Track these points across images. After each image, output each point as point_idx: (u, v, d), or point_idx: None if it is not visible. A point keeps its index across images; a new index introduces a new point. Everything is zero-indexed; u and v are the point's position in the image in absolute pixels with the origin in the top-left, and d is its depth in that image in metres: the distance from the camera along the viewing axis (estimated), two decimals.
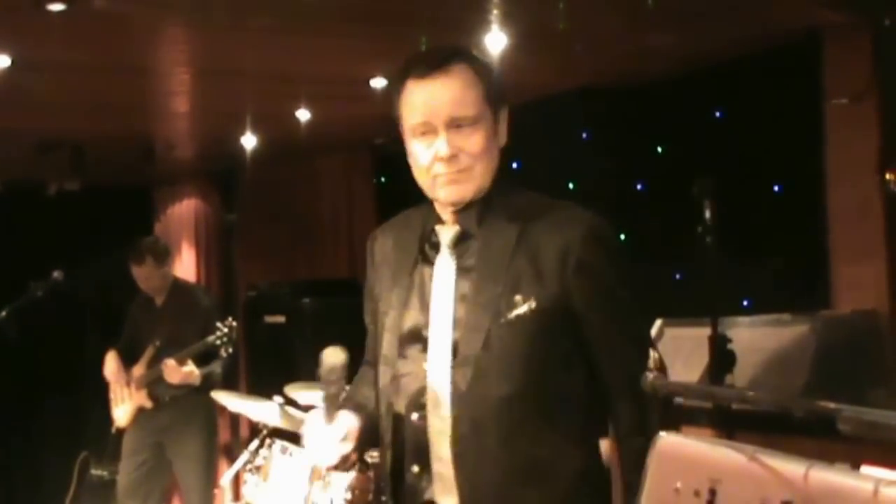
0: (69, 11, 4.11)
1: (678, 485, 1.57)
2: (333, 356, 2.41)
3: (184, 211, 9.07)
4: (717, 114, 5.37)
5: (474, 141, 2.36)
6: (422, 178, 2.42)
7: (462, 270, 2.41)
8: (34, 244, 8.18)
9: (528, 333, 2.31)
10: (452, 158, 2.35)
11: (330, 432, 2.41)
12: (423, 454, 2.40)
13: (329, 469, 2.50)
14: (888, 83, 4.43)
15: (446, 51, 2.43)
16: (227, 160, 7.91)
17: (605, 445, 4.64)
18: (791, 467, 1.42)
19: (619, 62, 5.34)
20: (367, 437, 2.52)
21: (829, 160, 4.76)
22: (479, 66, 2.42)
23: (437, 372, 2.38)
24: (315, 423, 2.43)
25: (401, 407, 2.43)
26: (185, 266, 8.73)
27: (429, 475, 2.40)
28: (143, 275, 6.33)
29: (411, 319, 2.45)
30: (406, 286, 2.48)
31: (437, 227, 2.47)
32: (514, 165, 6.24)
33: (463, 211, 2.42)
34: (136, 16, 4.47)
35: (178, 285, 6.58)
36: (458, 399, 2.33)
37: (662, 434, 1.69)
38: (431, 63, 2.38)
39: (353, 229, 7.63)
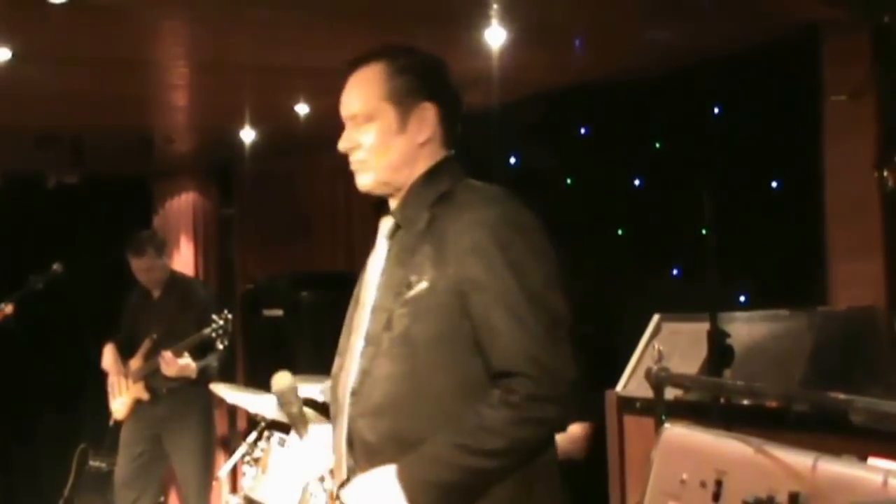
0: (69, 4, 4.10)
1: (684, 476, 1.58)
2: (280, 381, 2.61)
3: (182, 204, 9.07)
4: (716, 109, 5.36)
5: (368, 136, 2.52)
6: None
7: (388, 259, 2.54)
8: (33, 237, 8.18)
9: (424, 314, 2.36)
10: (349, 150, 2.56)
11: (308, 446, 2.60)
12: (347, 431, 2.50)
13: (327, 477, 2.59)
14: (887, 80, 4.44)
15: (371, 52, 2.59)
16: (225, 154, 7.91)
17: (568, 434, 4.64)
18: (799, 459, 1.42)
19: (617, 57, 5.34)
20: None
21: (827, 157, 4.77)
22: (393, 65, 2.54)
23: (351, 356, 2.52)
24: (293, 443, 2.60)
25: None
26: (184, 259, 8.73)
27: (351, 451, 2.49)
28: (142, 267, 6.34)
29: (353, 311, 2.61)
30: (360, 282, 2.64)
31: (381, 221, 2.62)
32: (512, 160, 6.29)
33: (398, 203, 2.56)
34: (135, 8, 4.47)
35: (175, 278, 6.60)
36: (363, 378, 2.44)
37: (668, 425, 1.69)
38: (352, 64, 2.60)
39: (351, 223, 7.63)
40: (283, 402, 2.52)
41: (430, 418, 2.35)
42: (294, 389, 2.54)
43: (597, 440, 4.57)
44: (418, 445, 2.34)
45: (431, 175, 2.54)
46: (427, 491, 2.31)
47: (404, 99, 2.51)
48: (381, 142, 2.51)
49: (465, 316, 2.35)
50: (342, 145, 2.56)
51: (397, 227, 2.55)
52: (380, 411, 2.39)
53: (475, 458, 2.29)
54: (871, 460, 1.71)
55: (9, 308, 6.14)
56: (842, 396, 1.35)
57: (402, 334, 2.38)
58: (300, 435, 2.54)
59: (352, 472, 2.48)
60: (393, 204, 2.58)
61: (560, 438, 4.58)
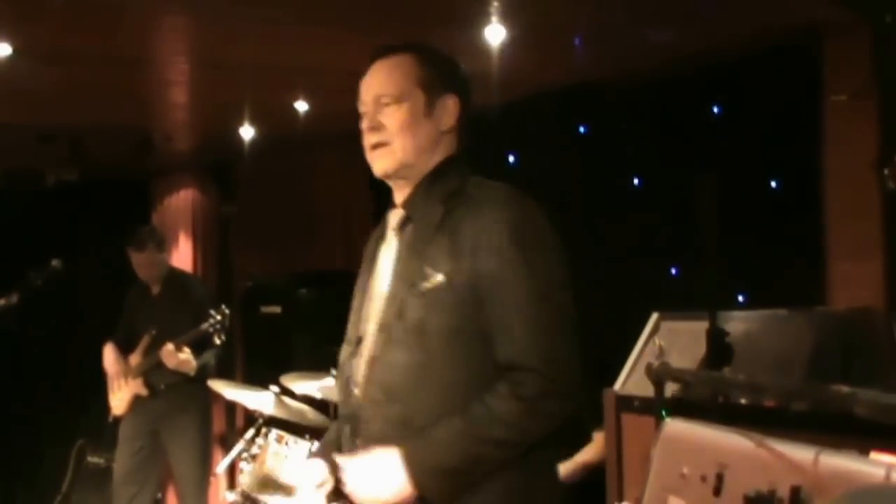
0: (70, 0, 4.11)
1: (685, 470, 1.57)
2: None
3: (181, 201, 9.06)
4: (716, 109, 5.36)
5: (396, 117, 2.55)
6: (367, 155, 2.62)
7: (400, 250, 2.58)
8: (33, 234, 8.17)
9: (437, 305, 2.41)
10: (373, 129, 2.56)
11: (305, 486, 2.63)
12: (354, 418, 2.56)
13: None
14: (888, 81, 4.44)
15: (400, 44, 2.65)
16: (225, 151, 7.90)
17: (597, 442, 4.66)
18: (800, 453, 1.41)
19: (618, 57, 5.34)
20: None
21: (827, 157, 4.77)
22: (423, 55, 2.63)
23: (364, 344, 2.56)
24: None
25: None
26: (182, 256, 8.72)
27: (356, 437, 2.55)
28: (142, 262, 6.35)
29: (363, 301, 2.65)
30: (368, 272, 2.68)
31: (389, 214, 2.66)
32: (511, 159, 6.29)
33: (408, 195, 2.60)
34: (135, 5, 4.47)
35: (174, 274, 6.61)
36: (371, 363, 2.51)
37: (668, 420, 1.68)
38: (379, 52, 2.64)
39: (349, 221, 7.63)
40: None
41: (439, 407, 2.39)
42: None
43: None
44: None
45: (442, 169, 2.59)
46: (432, 475, 2.36)
47: (433, 87, 2.58)
48: (409, 123, 2.55)
49: (479, 309, 2.40)
50: (367, 123, 2.57)
51: (406, 220, 2.59)
52: (390, 398, 2.44)
53: (483, 447, 2.36)
54: (874, 455, 1.71)
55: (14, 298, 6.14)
56: (846, 390, 1.34)
57: (415, 324, 2.43)
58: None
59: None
60: (400, 197, 2.62)
61: (595, 450, 4.61)
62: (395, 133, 2.54)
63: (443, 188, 2.55)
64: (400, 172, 2.57)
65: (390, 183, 2.63)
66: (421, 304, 2.43)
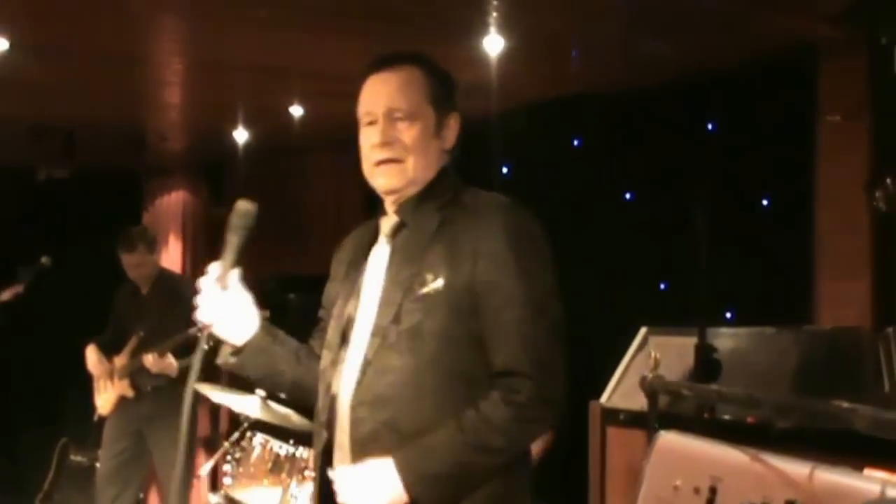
0: None
1: (678, 482, 1.56)
2: (247, 204, 2.57)
3: (172, 202, 9.05)
4: (710, 125, 5.38)
5: (409, 134, 2.52)
6: (365, 166, 2.59)
7: (393, 256, 2.57)
8: (22, 229, 8.15)
9: (435, 310, 2.42)
10: (385, 145, 2.52)
11: (217, 291, 2.56)
12: (332, 424, 2.54)
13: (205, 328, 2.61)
14: (882, 101, 4.45)
15: (406, 54, 2.61)
16: (217, 153, 7.90)
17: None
18: (795, 467, 1.41)
19: (614, 70, 5.35)
20: (254, 346, 2.66)
21: (819, 176, 4.78)
22: (430, 71, 2.60)
23: (354, 347, 2.54)
24: (209, 275, 2.57)
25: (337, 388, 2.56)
26: (172, 257, 8.71)
27: (335, 441, 2.53)
28: (132, 262, 6.32)
29: (351, 307, 2.62)
30: (353, 279, 2.66)
31: (382, 220, 2.64)
32: (504, 170, 6.29)
33: (403, 203, 2.58)
34: (133, 4, 4.47)
35: (164, 275, 6.58)
36: (364, 368, 2.48)
37: (662, 432, 1.68)
38: (387, 60, 2.59)
39: (340, 226, 7.61)
40: (235, 226, 2.54)
41: (429, 410, 2.40)
42: (254, 218, 2.55)
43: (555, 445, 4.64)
44: (414, 437, 2.39)
45: (439, 180, 2.59)
46: (426, 483, 2.35)
47: (441, 106, 2.58)
48: (421, 142, 2.53)
49: (473, 315, 2.42)
50: (379, 138, 2.52)
51: (399, 227, 2.58)
52: (380, 401, 2.43)
53: (477, 454, 2.37)
54: (868, 472, 1.71)
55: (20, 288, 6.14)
56: (845, 405, 1.34)
57: (411, 328, 2.43)
58: (222, 279, 2.54)
59: (342, 461, 2.51)
60: (392, 205, 2.60)
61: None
62: (408, 151, 2.52)
63: (438, 197, 2.56)
64: (408, 188, 2.55)
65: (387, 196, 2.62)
66: (417, 309, 2.43)
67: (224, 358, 2.71)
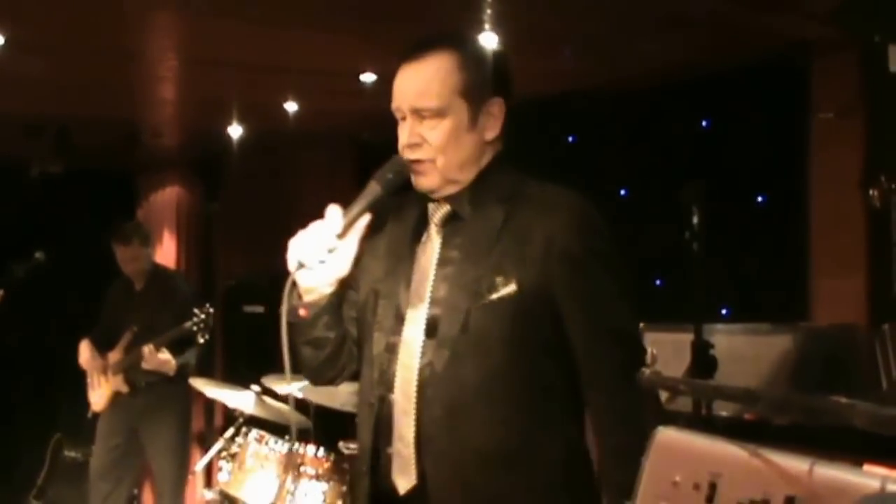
0: None
1: (677, 478, 1.55)
2: (403, 159, 2.39)
3: (166, 198, 9.03)
4: (704, 123, 5.38)
5: (437, 133, 2.36)
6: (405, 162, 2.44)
7: (447, 250, 2.42)
8: (16, 225, 8.14)
9: (508, 316, 2.30)
10: (414, 147, 2.38)
11: (331, 238, 2.35)
12: (390, 432, 2.40)
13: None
14: (875, 99, 4.46)
15: (436, 37, 2.44)
16: (211, 149, 7.89)
17: None
18: (795, 463, 1.41)
19: (608, 67, 5.35)
20: (332, 303, 2.47)
21: (813, 173, 4.79)
22: (465, 56, 2.41)
23: (407, 350, 2.39)
24: (327, 219, 2.37)
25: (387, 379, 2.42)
26: (166, 253, 8.69)
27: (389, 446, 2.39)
28: (127, 256, 6.32)
29: (402, 297, 2.45)
30: (398, 258, 2.49)
31: (430, 205, 2.47)
32: None
33: (454, 195, 2.43)
34: (127, 0, 4.47)
35: (158, 271, 6.58)
36: (433, 380, 2.33)
37: (660, 427, 1.67)
38: (415, 49, 2.41)
39: None
40: (385, 177, 2.35)
41: (499, 424, 2.31)
42: (403, 176, 2.38)
43: None
44: (485, 454, 2.30)
45: (497, 169, 2.46)
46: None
47: (476, 94, 2.39)
48: (451, 139, 2.37)
49: (546, 319, 2.32)
50: (406, 140, 2.38)
51: (450, 216, 2.44)
52: (452, 415, 2.31)
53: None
54: (867, 468, 1.71)
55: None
56: (844, 401, 1.34)
57: (481, 335, 2.31)
58: (343, 229, 2.33)
59: (402, 470, 2.38)
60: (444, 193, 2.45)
61: None
62: (437, 150, 2.36)
63: (497, 188, 2.42)
64: (446, 189, 2.41)
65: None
66: (487, 315, 2.30)
67: (298, 305, 2.50)
